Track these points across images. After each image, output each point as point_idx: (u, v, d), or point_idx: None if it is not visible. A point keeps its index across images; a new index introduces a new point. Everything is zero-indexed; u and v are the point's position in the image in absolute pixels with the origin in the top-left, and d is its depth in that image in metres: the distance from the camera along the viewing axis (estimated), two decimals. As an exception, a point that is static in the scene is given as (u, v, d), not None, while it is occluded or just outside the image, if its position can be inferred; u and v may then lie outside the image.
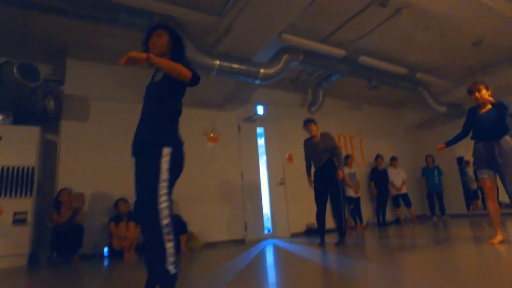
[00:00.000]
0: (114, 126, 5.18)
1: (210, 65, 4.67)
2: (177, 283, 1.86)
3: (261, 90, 6.66)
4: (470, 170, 8.92)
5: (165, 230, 1.83)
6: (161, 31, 2.28)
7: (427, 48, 6.16)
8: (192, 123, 5.83)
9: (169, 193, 1.93)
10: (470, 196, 8.49)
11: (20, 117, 4.64)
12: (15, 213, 4.18)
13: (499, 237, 3.43)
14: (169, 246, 1.82)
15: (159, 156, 1.95)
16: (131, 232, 4.49)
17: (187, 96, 6.08)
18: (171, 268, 1.81)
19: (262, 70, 5.11)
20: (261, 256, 3.90)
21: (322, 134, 4.83)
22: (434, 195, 7.76)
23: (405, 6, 4.84)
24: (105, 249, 4.66)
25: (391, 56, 6.23)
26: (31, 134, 4.47)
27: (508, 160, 3.45)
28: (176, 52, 2.31)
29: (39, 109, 4.71)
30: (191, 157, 5.62)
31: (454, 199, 8.06)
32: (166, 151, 1.98)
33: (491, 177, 3.61)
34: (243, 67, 4.92)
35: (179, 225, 4.85)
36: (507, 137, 3.57)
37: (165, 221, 1.84)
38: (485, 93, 3.63)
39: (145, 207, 1.91)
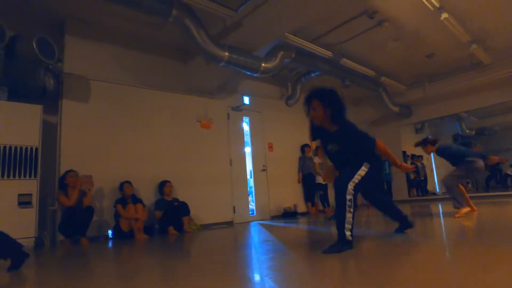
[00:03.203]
0: (115, 108, 5.14)
1: (220, 56, 4.89)
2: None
3: (246, 81, 7.02)
4: (409, 162, 10.43)
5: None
6: (315, 103, 2.55)
7: (393, 56, 7.11)
8: (186, 108, 5.99)
9: None
10: (409, 185, 9.97)
11: (15, 94, 4.37)
12: (19, 195, 4.01)
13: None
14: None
15: None
16: (140, 213, 4.59)
17: (183, 82, 6.27)
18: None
19: (263, 64, 5.47)
20: (262, 232, 4.38)
21: None
22: (385, 183, 8.98)
23: (388, 19, 5.61)
24: (110, 231, 4.68)
25: (365, 60, 7.06)
26: (33, 113, 4.28)
27: None
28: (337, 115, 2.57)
29: (38, 87, 4.47)
30: (186, 142, 5.84)
31: (399, 187, 9.41)
32: None
33: None
34: (248, 60, 5.23)
35: (182, 208, 5.07)
36: None
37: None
38: None
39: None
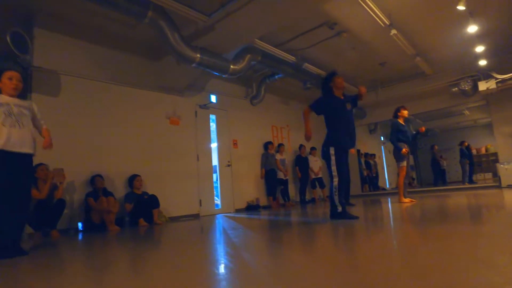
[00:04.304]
0: (86, 103, 5.22)
1: (192, 58, 5.16)
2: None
3: (214, 80, 7.31)
4: (362, 160, 11.34)
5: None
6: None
7: (350, 63, 7.79)
8: (156, 105, 6.17)
9: None
10: (362, 181, 10.86)
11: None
12: (-12, 188, 4.01)
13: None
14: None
15: None
16: (112, 206, 4.76)
17: (153, 80, 6.42)
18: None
19: (231, 66, 5.82)
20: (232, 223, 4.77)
21: None
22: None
23: (346, 30, 6.21)
24: (80, 224, 4.79)
25: (325, 65, 7.66)
26: None
27: None
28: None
29: (7, 80, 4.45)
30: (156, 138, 6.04)
31: (354, 183, 10.20)
32: None
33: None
34: (218, 62, 5.55)
35: (152, 200, 5.28)
36: None
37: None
38: None
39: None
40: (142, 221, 5.03)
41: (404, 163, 5.59)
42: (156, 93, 6.19)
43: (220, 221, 5.14)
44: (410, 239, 2.36)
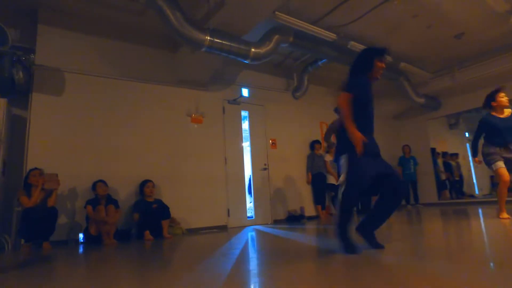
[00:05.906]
0: (93, 101, 4.78)
1: (200, 40, 4.37)
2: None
3: (246, 72, 6.45)
4: (440, 161, 9.31)
5: None
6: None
7: (412, 38, 6.22)
8: (175, 102, 5.52)
9: None
10: (440, 186, 8.86)
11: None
12: (-23, 195, 3.72)
13: (504, 215, 3.83)
14: None
15: None
16: (110, 216, 4.15)
17: (171, 73, 5.74)
18: None
19: (253, 49, 4.88)
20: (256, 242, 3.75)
21: None
22: (409, 184, 7.99)
23: (399, -8, 4.80)
24: (80, 235, 4.29)
25: (378, 42, 6.21)
26: (-5, 107, 3.97)
27: None
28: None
29: (5, 80, 4.19)
30: (174, 139, 5.35)
31: (427, 188, 8.36)
32: None
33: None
34: (234, 44, 4.66)
35: (161, 210, 4.58)
36: None
37: None
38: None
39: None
40: (147, 234, 4.33)
41: (499, 164, 3.87)
42: (174, 88, 5.53)
43: (249, 236, 4.16)
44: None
